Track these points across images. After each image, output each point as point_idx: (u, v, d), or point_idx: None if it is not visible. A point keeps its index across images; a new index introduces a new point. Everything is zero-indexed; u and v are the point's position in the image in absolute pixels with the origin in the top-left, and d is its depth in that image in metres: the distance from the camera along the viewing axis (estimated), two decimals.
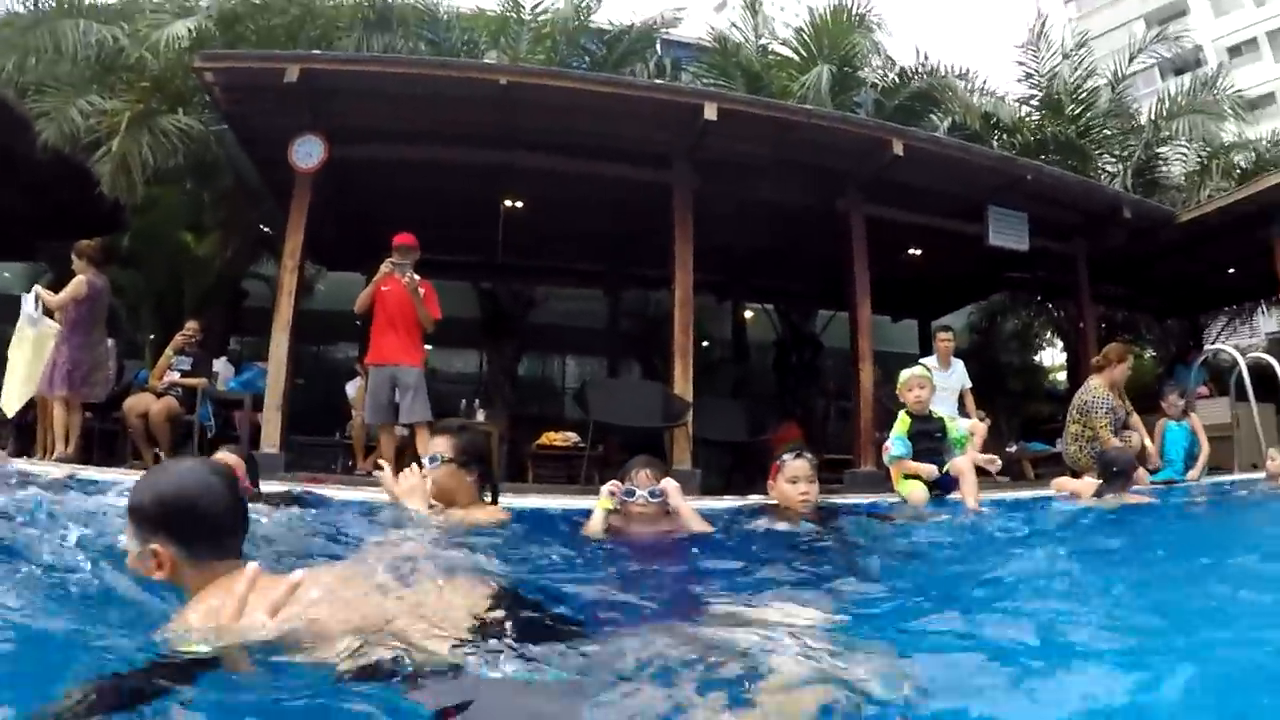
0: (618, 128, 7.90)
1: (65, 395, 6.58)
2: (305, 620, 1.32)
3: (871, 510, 4.75)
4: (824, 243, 9.04)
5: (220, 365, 8.36)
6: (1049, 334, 15.57)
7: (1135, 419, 7.15)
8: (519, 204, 9.40)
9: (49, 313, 6.89)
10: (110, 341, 7.40)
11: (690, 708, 1.17)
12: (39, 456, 6.62)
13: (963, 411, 7.77)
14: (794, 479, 3.74)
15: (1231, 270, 11.86)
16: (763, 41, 12.53)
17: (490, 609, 1.57)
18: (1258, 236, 9.56)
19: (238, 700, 1.22)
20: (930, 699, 1.25)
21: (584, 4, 11.80)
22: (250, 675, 1.24)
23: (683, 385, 7.51)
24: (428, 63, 8.44)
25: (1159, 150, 12.77)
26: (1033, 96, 12.98)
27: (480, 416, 8.94)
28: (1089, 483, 5.39)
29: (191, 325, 7.71)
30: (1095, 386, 6.96)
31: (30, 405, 7.02)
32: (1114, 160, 12.68)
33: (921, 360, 7.63)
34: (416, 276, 6.38)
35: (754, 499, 5.68)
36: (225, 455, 3.67)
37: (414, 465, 3.32)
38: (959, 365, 8.15)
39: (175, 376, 7.42)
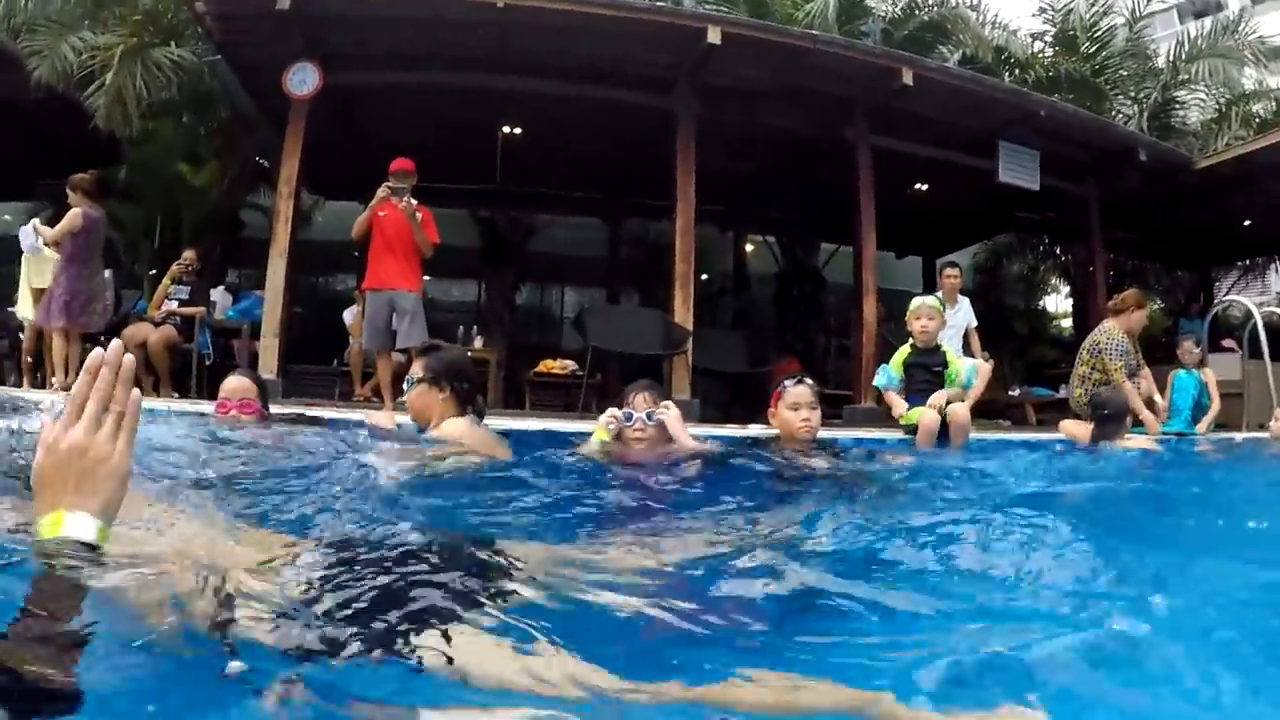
0: (618, 51, 7.72)
1: (64, 325, 6.55)
2: None
3: (873, 446, 4.64)
4: (829, 173, 8.90)
5: (218, 294, 8.33)
6: (1055, 278, 15.37)
7: (1145, 370, 7.01)
8: (517, 130, 9.25)
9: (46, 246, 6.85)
10: (108, 273, 7.36)
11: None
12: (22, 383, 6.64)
13: (967, 351, 7.65)
14: (795, 405, 3.64)
15: (1247, 223, 11.64)
16: None
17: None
18: (1275, 189, 9.34)
19: None
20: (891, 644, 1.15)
21: None
22: None
23: (683, 314, 7.42)
24: None
25: (1176, 94, 12.42)
26: (1046, 32, 12.66)
27: (477, 343, 8.88)
28: (1088, 427, 5.26)
29: (188, 254, 7.65)
30: (1112, 329, 6.80)
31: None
32: (1129, 102, 12.34)
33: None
34: (414, 201, 6.28)
35: (754, 429, 5.62)
36: (238, 380, 3.64)
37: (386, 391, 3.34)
38: (965, 303, 7.99)
39: (173, 306, 7.39)
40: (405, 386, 3.29)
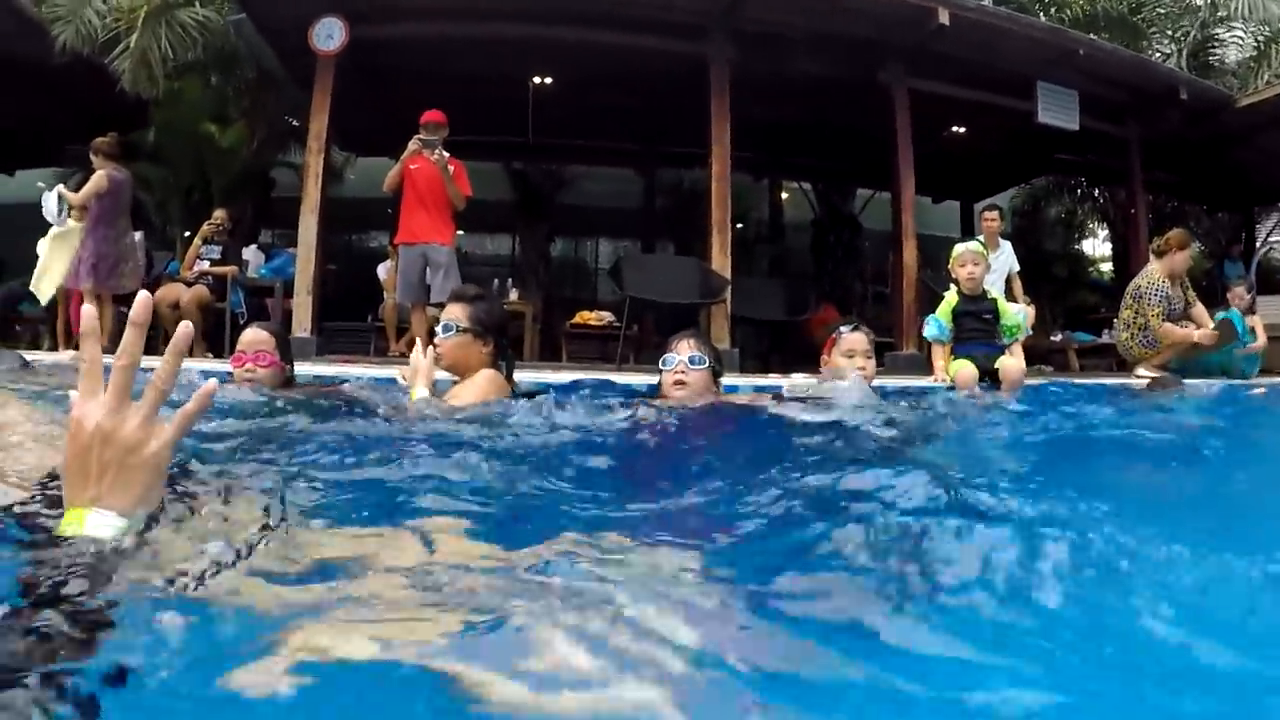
0: None
1: (91, 287, 6.55)
2: None
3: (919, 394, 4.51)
4: (865, 117, 8.71)
5: (250, 253, 8.33)
6: (1094, 222, 15.08)
7: (1199, 309, 6.84)
8: (548, 81, 9.14)
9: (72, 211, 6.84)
10: (138, 234, 7.36)
11: None
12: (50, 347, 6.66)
13: (1009, 296, 7.50)
14: (850, 353, 3.53)
15: None
16: None
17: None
18: None
19: None
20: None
21: None
22: None
23: (720, 261, 7.32)
24: None
25: (1214, 31, 12.06)
26: None
27: (513, 296, 8.85)
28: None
29: (219, 214, 7.64)
30: (1152, 272, 6.68)
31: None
32: (1167, 41, 12.01)
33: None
34: (446, 154, 6.21)
35: (797, 377, 5.53)
36: (254, 332, 3.48)
37: (421, 345, 3.12)
38: (1006, 247, 7.84)
39: (205, 266, 7.38)
40: (442, 333, 3.04)
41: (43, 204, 6.87)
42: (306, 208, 7.20)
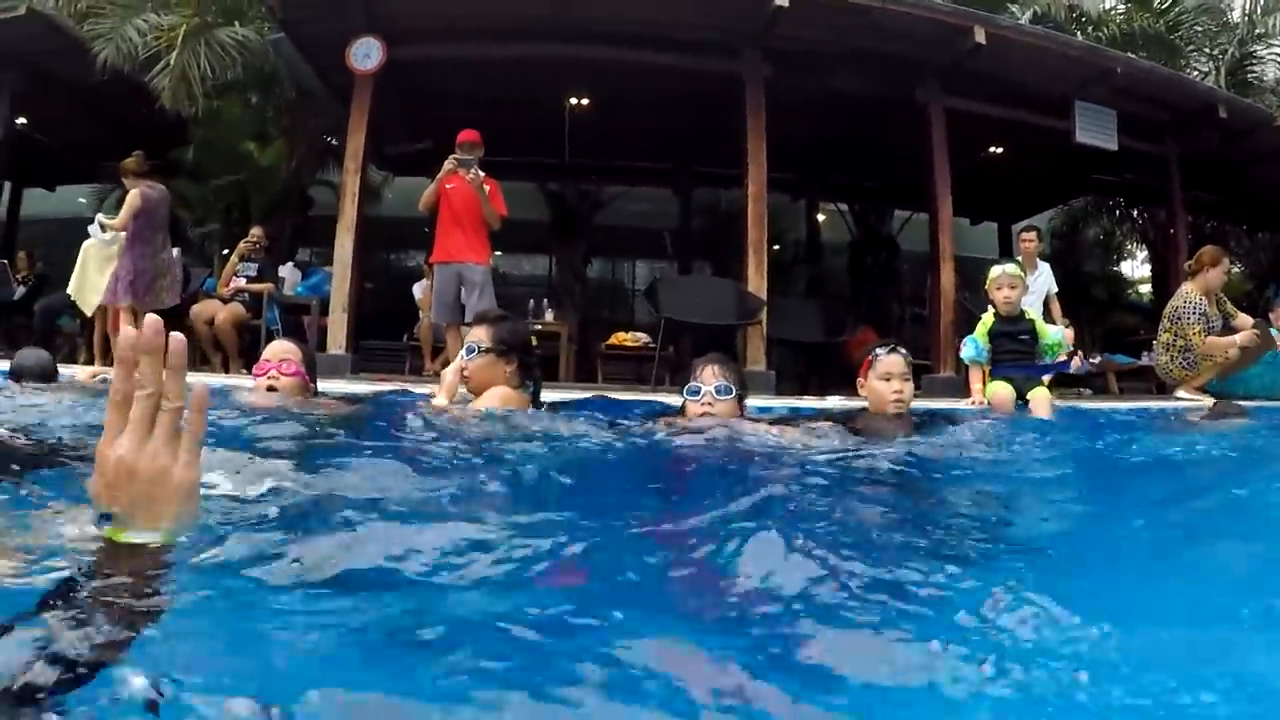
0: (681, 16, 7.55)
1: (130, 304, 6.59)
2: None
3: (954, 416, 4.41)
4: (902, 137, 8.66)
5: (287, 271, 8.36)
6: (1132, 244, 14.90)
7: (1241, 318, 6.71)
8: (584, 101, 9.18)
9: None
10: (175, 250, 7.42)
11: None
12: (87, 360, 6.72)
13: (1047, 318, 7.38)
14: (887, 375, 3.44)
15: None
16: None
17: None
18: None
19: None
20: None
21: None
22: None
23: (756, 282, 7.28)
24: None
25: (1253, 49, 11.91)
26: None
27: (548, 317, 8.83)
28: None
29: (255, 232, 7.69)
30: (1187, 292, 6.58)
31: None
32: (1205, 59, 11.87)
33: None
34: (481, 173, 6.21)
35: (832, 400, 5.45)
36: (280, 342, 3.45)
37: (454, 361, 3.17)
38: (1045, 268, 7.74)
39: (241, 283, 7.42)
40: (466, 355, 3.12)
41: (94, 236, 6.96)
42: (343, 226, 7.24)
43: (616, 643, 0.85)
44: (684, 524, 1.47)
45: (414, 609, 0.95)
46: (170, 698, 0.65)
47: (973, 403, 4.83)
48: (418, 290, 9.03)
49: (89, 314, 7.14)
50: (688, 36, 7.78)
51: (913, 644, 0.93)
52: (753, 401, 3.65)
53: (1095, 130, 8.81)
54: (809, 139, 9.84)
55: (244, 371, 6.99)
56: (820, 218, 13.11)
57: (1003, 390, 4.64)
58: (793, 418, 3.66)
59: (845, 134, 9.98)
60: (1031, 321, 4.99)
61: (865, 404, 3.63)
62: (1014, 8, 11.02)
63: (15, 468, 1.45)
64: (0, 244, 10.23)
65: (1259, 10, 11.76)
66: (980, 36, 7.53)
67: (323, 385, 3.63)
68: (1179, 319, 6.52)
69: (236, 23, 8.75)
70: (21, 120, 9.36)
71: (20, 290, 9.19)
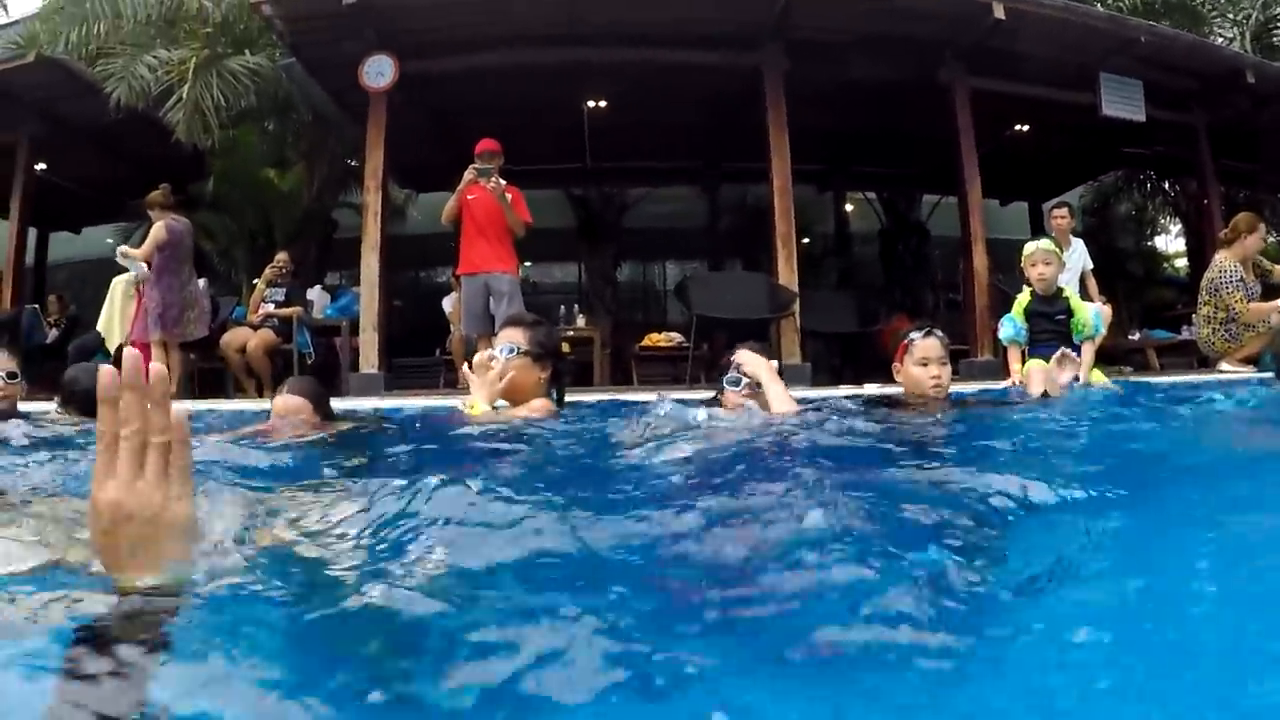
0: (695, 11, 7.47)
1: (161, 337, 6.63)
2: None
3: (999, 398, 4.26)
4: (927, 120, 8.53)
5: (315, 294, 8.35)
6: (1165, 217, 14.64)
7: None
8: (602, 104, 9.13)
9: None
10: (202, 282, 7.45)
11: None
12: None
13: (1083, 295, 7.21)
14: (924, 360, 3.30)
15: None
16: None
17: None
18: None
19: None
20: None
21: None
22: None
23: (787, 275, 7.18)
24: None
25: (1277, 12, 11.67)
26: None
27: (580, 322, 8.76)
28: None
29: (281, 257, 7.68)
30: (1223, 260, 6.47)
31: None
32: (1228, 25, 11.65)
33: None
34: (502, 182, 6.14)
35: (870, 388, 5.31)
36: (284, 401, 3.17)
37: (489, 358, 3.03)
38: (1079, 245, 7.57)
39: (269, 309, 7.41)
40: (502, 354, 3.00)
41: (130, 270, 7.00)
42: (367, 245, 7.22)
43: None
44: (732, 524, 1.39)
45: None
46: None
47: (1011, 384, 4.71)
48: (447, 304, 8.98)
49: (111, 348, 7.17)
50: (702, 32, 7.70)
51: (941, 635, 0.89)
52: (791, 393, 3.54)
53: (1121, 102, 8.62)
54: (833, 129, 9.74)
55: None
56: (849, 208, 12.96)
57: (1038, 371, 4.49)
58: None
59: (869, 122, 9.86)
60: (1068, 299, 4.87)
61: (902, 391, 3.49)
62: None
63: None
64: (30, 289, 10.31)
65: None
66: (1000, 12, 7.39)
67: (355, 404, 3.54)
68: (1217, 290, 6.42)
69: (247, 51, 8.79)
70: (41, 166, 9.43)
71: (53, 334, 9.25)
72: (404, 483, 1.31)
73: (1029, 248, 4.91)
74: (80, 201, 11.45)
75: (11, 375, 3.80)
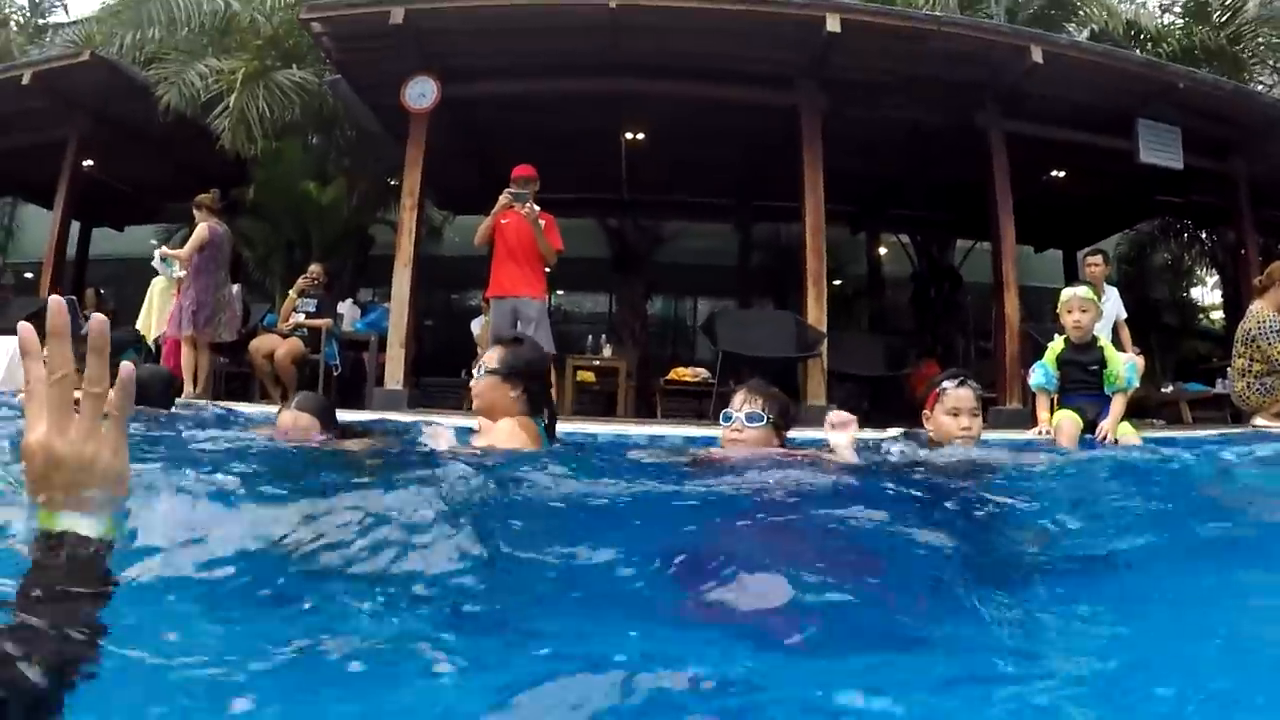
0: (735, 48, 7.53)
1: (191, 335, 6.81)
2: None
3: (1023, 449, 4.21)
4: (961, 164, 8.51)
5: (346, 308, 8.47)
6: (1202, 269, 14.43)
7: None
8: (640, 136, 9.20)
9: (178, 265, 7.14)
10: (236, 286, 7.62)
11: None
12: None
13: (1116, 345, 7.12)
14: (955, 411, 3.24)
15: None
16: None
17: None
18: None
19: None
20: None
21: None
22: None
23: (816, 314, 7.17)
24: None
25: None
26: (1175, 2, 11.89)
27: (606, 352, 8.79)
28: None
29: (315, 268, 7.80)
30: (1260, 310, 6.25)
31: None
32: (1268, 72, 11.54)
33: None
34: (536, 207, 6.20)
35: (893, 433, 5.28)
36: (292, 416, 3.19)
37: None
38: (1113, 293, 7.45)
39: (300, 318, 7.52)
40: (475, 374, 3.02)
41: (154, 262, 7.21)
42: (400, 262, 7.32)
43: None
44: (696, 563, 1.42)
45: None
46: None
47: (1039, 432, 4.64)
48: (476, 326, 9.06)
49: (149, 340, 7.36)
50: (742, 69, 7.76)
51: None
52: (812, 434, 3.51)
53: (1159, 149, 8.54)
54: (868, 170, 9.74)
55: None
56: (882, 251, 12.94)
57: (1068, 422, 4.44)
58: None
59: (904, 164, 9.86)
60: (1102, 349, 4.76)
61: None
62: (1071, 26, 10.86)
63: None
64: (70, 282, 10.55)
65: None
66: (1038, 56, 7.37)
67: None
68: (1254, 340, 6.21)
69: (295, 65, 8.97)
70: (89, 162, 9.67)
71: (86, 326, 9.44)
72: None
73: (1065, 294, 4.80)
74: (124, 200, 11.72)
75: None
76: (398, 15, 6.99)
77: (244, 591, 1.04)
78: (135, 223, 12.76)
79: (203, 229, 6.92)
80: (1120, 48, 9.95)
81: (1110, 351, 4.75)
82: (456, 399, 8.65)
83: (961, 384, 3.32)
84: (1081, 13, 10.86)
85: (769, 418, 2.97)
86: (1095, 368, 4.61)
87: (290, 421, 3.17)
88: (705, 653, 0.97)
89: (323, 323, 7.53)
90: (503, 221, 6.28)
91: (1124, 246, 13.91)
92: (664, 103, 8.06)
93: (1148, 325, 11.28)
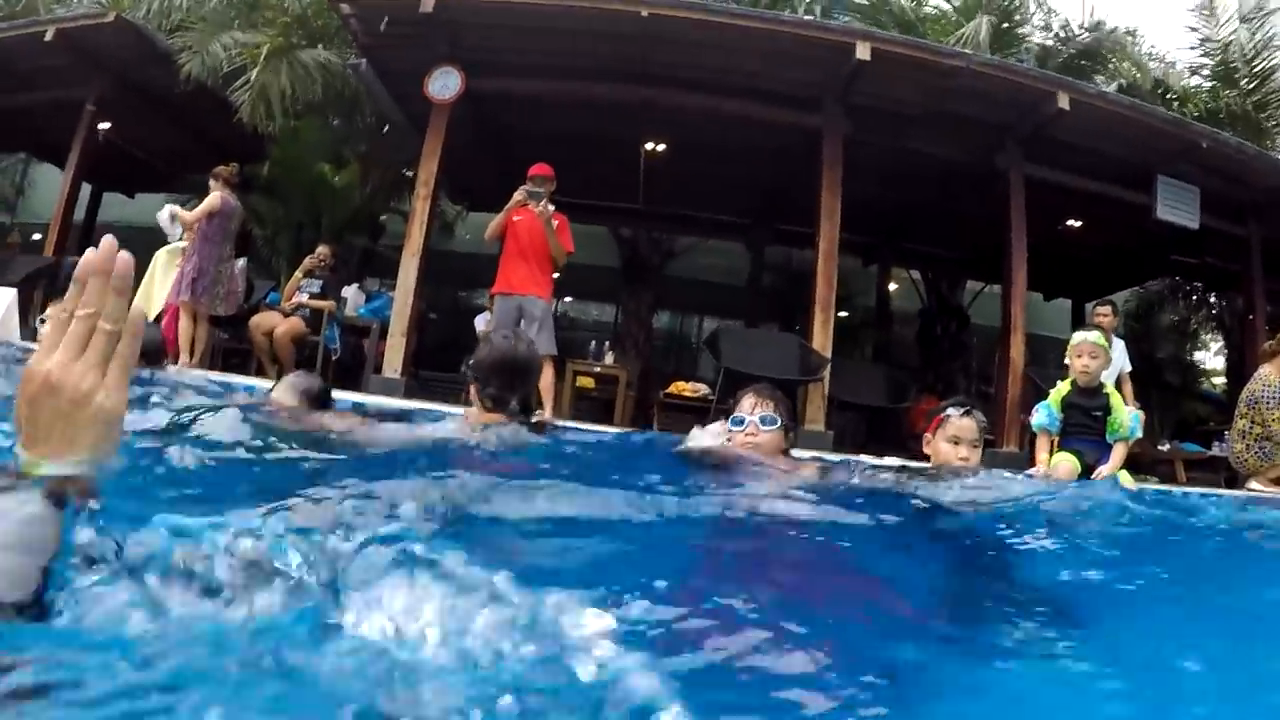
0: (764, 66, 7.55)
1: (188, 301, 6.70)
2: None
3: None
4: (978, 203, 8.55)
5: (351, 292, 8.40)
6: (1207, 333, 14.45)
7: None
8: (661, 147, 9.18)
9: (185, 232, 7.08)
10: (241, 261, 7.54)
11: None
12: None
13: None
14: (956, 439, 3.13)
15: None
16: None
17: None
18: None
19: None
20: None
21: None
22: None
23: (821, 339, 7.13)
24: None
25: None
26: (1203, 66, 11.94)
27: (608, 359, 8.74)
28: None
29: (323, 250, 7.75)
30: (1266, 375, 6.28)
31: None
32: None
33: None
34: (551, 207, 6.17)
35: (890, 460, 5.24)
36: (282, 395, 3.14)
37: None
38: (1120, 345, 7.43)
39: (303, 298, 7.46)
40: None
41: (159, 219, 7.13)
42: (408, 251, 7.26)
43: None
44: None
45: None
46: None
47: (1036, 473, 4.60)
48: (480, 322, 8.99)
49: (150, 316, 7.26)
50: (769, 87, 7.77)
51: None
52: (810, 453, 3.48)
53: (1177, 207, 8.53)
54: (885, 203, 9.75)
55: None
56: (892, 285, 13.00)
57: (1065, 464, 4.44)
58: (842, 464, 3.48)
59: (921, 199, 9.88)
60: (1108, 395, 4.72)
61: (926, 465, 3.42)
62: (1100, 78, 10.90)
63: None
64: (77, 243, 10.50)
65: None
66: (1064, 102, 7.37)
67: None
68: (1256, 403, 6.22)
69: (320, 46, 8.97)
70: (105, 125, 9.63)
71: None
72: None
73: (1076, 337, 4.79)
74: (138, 166, 11.67)
75: None
76: (428, 4, 6.95)
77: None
78: (147, 190, 12.70)
79: (214, 197, 6.86)
80: (1147, 104, 10.00)
81: (1116, 399, 4.73)
82: (456, 393, 8.61)
83: (967, 413, 3.22)
84: (1111, 66, 10.95)
85: (781, 420, 2.97)
86: (1099, 413, 4.61)
87: (277, 399, 3.14)
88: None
89: (325, 304, 7.47)
90: (515, 219, 6.25)
91: (1133, 303, 13.96)
92: (687, 115, 8.04)
93: (1150, 382, 11.26)
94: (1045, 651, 1.23)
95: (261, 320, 7.35)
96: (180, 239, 7.05)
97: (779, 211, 10.62)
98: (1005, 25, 10.41)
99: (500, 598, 0.80)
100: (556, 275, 6.51)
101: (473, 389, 2.99)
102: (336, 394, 3.62)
